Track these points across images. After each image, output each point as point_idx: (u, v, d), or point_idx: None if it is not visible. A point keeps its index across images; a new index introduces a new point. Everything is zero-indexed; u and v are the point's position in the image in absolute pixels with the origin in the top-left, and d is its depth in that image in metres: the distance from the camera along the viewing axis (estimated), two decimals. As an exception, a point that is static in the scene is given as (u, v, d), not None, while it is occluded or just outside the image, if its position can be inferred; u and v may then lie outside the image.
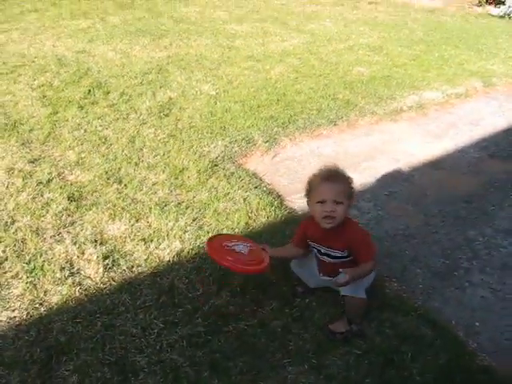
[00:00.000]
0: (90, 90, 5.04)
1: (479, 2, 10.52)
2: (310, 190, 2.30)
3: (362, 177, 3.79)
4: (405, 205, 3.53)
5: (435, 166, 4.11)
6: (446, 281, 2.79)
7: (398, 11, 9.87)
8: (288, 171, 3.93)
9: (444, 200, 3.60)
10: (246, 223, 3.11)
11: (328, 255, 2.37)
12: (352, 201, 2.29)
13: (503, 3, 9.51)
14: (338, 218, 2.21)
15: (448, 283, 2.77)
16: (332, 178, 2.24)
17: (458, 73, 6.18)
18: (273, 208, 3.29)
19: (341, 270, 2.23)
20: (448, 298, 2.65)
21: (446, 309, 2.57)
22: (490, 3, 10.40)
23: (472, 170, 4.07)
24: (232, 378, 2.11)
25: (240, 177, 3.63)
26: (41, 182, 3.42)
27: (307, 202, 2.36)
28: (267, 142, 4.24)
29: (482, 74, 6.19)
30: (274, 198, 3.42)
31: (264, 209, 3.27)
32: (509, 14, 9.41)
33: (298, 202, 3.41)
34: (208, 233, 2.98)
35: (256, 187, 3.52)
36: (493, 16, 9.69)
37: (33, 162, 3.68)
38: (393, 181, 3.85)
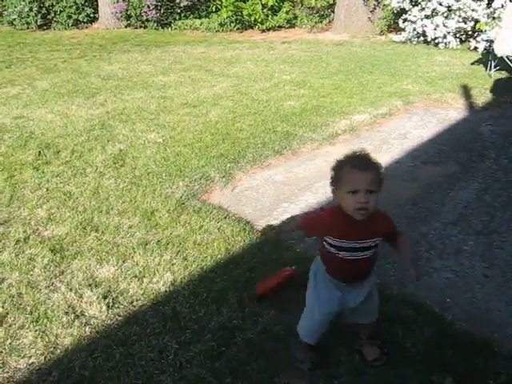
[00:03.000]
0: (39, 152, 5.15)
1: (381, 31, 11.44)
2: (338, 178, 2.09)
3: (317, 196, 4.14)
4: (361, 214, 3.90)
5: (378, 177, 4.54)
6: (413, 270, 3.15)
7: (311, 47, 10.60)
8: (249, 200, 4.22)
9: (393, 204, 3.99)
10: (226, 249, 3.37)
11: (368, 248, 2.18)
12: (381, 188, 2.07)
13: (403, 30, 10.40)
14: (371, 208, 2.03)
15: (415, 272, 3.13)
16: (364, 166, 2.05)
17: (379, 95, 6.79)
18: (246, 233, 3.56)
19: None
20: (418, 284, 2.97)
21: (419, 292, 2.92)
22: (391, 31, 11.35)
23: (410, 176, 4.54)
24: (252, 378, 2.34)
25: (208, 210, 3.89)
26: (19, 241, 3.53)
27: (333, 190, 2.15)
28: (223, 177, 4.53)
29: (399, 93, 6.83)
30: (244, 225, 3.69)
31: (238, 235, 3.54)
32: (410, 39, 10.31)
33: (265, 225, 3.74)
34: (194, 262, 3.21)
35: (225, 217, 3.79)
36: (396, 42, 10.56)
37: (3, 224, 3.76)
38: (345, 195, 4.21)
